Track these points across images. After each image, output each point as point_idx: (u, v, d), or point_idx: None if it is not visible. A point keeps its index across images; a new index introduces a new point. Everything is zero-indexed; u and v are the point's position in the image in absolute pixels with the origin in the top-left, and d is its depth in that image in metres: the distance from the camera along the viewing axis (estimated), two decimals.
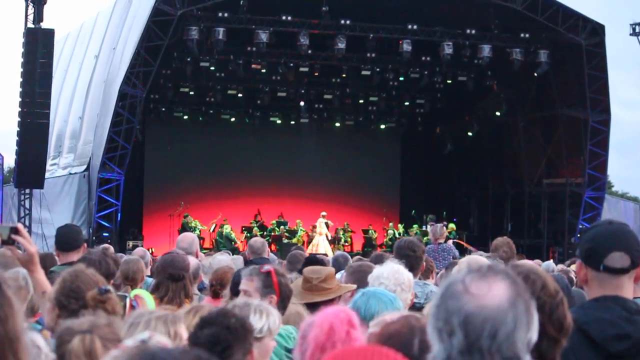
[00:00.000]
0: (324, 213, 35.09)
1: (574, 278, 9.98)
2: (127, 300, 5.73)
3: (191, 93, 37.88)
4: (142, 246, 24.86)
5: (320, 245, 33.68)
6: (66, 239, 7.87)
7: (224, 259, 9.14)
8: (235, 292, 5.92)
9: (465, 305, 2.42)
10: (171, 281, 6.64)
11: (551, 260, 19.40)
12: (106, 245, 13.87)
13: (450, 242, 13.97)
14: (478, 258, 7.88)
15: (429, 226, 28.24)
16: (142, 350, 2.22)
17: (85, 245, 8.05)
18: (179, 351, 2.22)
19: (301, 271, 6.98)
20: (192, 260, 7.91)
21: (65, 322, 3.27)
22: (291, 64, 35.21)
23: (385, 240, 36.87)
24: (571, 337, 3.38)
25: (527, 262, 6.55)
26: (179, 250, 8.43)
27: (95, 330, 3.11)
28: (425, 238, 30.12)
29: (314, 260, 8.33)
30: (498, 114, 38.03)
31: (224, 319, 3.87)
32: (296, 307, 5.98)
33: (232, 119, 39.91)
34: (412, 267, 7.19)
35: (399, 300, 5.16)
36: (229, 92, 37.81)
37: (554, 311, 3.29)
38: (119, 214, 31.22)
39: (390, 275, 5.94)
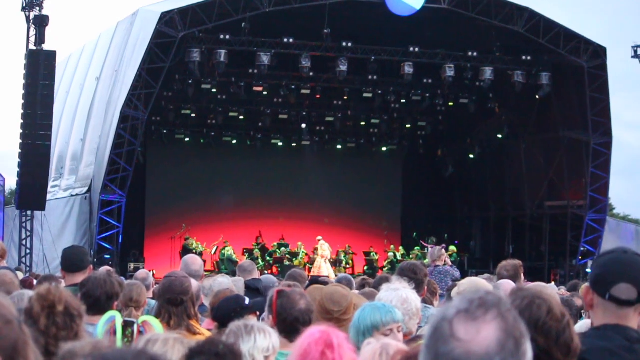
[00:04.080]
0: (319, 238, 35.03)
1: (576, 304, 9.53)
2: (135, 327, 5.71)
3: (193, 115, 37.82)
4: (143, 268, 24.91)
5: (323, 267, 33.63)
6: (73, 260, 7.77)
7: (224, 282, 9.09)
8: (221, 321, 5.62)
9: (452, 352, 2.31)
10: (172, 306, 6.56)
11: (553, 283, 19.38)
12: (109, 268, 13.82)
13: (448, 263, 13.96)
14: (478, 281, 7.84)
15: (429, 248, 28.23)
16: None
17: (92, 266, 7.98)
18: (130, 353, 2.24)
19: None
20: (194, 283, 7.86)
21: (68, 344, 3.23)
22: (293, 86, 35.27)
23: (386, 262, 36.78)
24: None
25: (534, 286, 6.48)
26: (187, 272, 8.34)
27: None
28: (426, 260, 30.13)
29: (317, 282, 8.27)
30: (500, 136, 38.04)
31: (211, 347, 3.93)
32: None
33: (234, 142, 39.86)
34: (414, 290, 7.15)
35: (395, 310, 5.26)
36: (231, 114, 37.81)
37: (560, 335, 3.26)
38: (121, 236, 31.17)
39: (399, 304, 5.85)
